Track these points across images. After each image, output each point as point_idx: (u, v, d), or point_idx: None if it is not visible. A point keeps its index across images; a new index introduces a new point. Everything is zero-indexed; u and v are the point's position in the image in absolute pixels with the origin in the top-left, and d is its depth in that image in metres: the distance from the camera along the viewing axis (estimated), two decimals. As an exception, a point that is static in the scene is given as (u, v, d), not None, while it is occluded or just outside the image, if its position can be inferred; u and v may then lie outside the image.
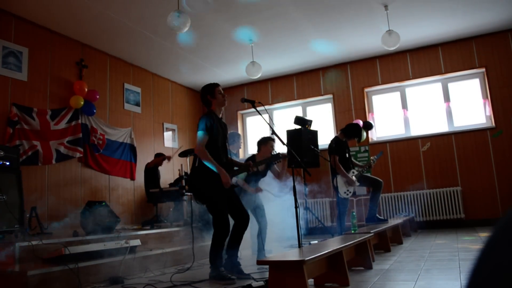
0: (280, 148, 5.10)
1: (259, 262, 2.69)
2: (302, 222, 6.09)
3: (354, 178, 5.49)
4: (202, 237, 5.33)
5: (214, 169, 3.41)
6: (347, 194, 5.46)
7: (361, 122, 7.78)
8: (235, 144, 5.37)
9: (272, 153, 4.54)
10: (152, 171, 6.85)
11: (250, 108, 7.34)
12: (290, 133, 7.32)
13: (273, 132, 4.31)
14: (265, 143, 4.72)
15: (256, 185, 4.69)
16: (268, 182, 4.89)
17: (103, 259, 3.76)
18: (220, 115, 3.71)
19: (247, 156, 8.88)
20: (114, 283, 3.56)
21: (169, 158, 6.99)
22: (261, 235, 4.67)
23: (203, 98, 3.67)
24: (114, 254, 3.87)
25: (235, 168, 3.74)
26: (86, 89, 6.37)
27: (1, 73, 5.35)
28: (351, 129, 5.66)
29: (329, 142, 5.74)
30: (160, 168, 7.21)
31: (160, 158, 6.88)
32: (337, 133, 8.14)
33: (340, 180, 5.45)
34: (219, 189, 3.45)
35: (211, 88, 3.65)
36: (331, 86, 8.38)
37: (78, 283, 3.33)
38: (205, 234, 5.29)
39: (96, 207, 4.68)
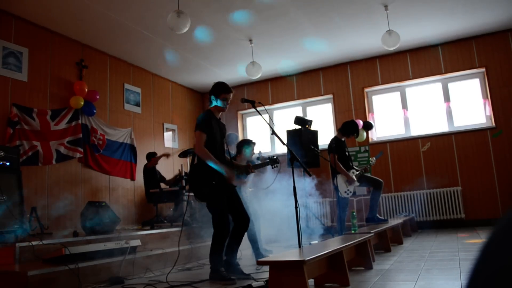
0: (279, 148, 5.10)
1: (260, 262, 2.69)
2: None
3: (354, 177, 5.50)
4: (202, 237, 5.32)
5: (216, 168, 3.40)
6: (347, 194, 5.45)
7: (361, 122, 7.79)
8: (232, 145, 5.37)
9: (253, 157, 4.57)
10: (151, 171, 6.85)
11: (250, 108, 7.34)
12: (290, 133, 7.34)
13: (273, 132, 4.30)
14: (248, 146, 4.74)
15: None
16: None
17: (103, 259, 3.76)
18: (219, 116, 3.70)
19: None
20: (114, 284, 3.56)
21: (167, 155, 7.04)
22: (251, 239, 4.66)
23: (210, 94, 3.65)
24: (114, 255, 3.87)
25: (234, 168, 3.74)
26: (86, 89, 6.37)
27: (1, 73, 5.35)
28: (348, 126, 5.64)
29: (329, 142, 5.74)
30: (160, 168, 7.21)
31: (157, 157, 6.88)
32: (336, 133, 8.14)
33: (340, 179, 5.44)
34: (219, 187, 3.44)
35: (220, 91, 3.57)
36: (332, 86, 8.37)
37: (78, 284, 3.33)
38: (204, 234, 5.29)
39: (96, 208, 4.68)
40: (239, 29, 6.43)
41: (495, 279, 0.38)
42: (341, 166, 5.43)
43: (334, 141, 5.62)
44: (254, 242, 4.63)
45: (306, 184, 6.51)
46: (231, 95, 3.61)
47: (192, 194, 3.56)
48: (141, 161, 7.37)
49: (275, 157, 4.08)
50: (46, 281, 3.19)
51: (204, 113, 3.62)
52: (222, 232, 3.41)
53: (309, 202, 7.24)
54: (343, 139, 5.68)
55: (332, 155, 5.48)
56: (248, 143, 4.77)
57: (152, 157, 6.92)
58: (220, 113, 3.68)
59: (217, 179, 3.42)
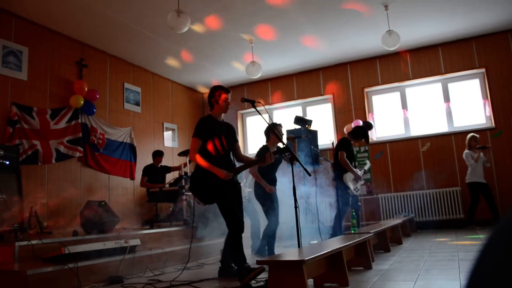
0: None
1: (259, 262, 2.69)
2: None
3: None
4: (201, 236, 5.32)
5: (211, 170, 3.40)
6: (357, 191, 5.46)
7: (361, 122, 7.78)
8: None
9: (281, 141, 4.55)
10: (154, 172, 6.88)
11: (250, 108, 7.33)
12: (290, 133, 7.33)
13: (273, 132, 4.30)
14: (273, 129, 4.65)
15: (275, 172, 4.77)
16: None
17: (103, 258, 3.76)
18: (221, 119, 3.69)
19: (248, 154, 8.89)
20: (114, 283, 3.56)
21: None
22: (268, 236, 4.64)
23: (209, 98, 3.65)
24: (114, 254, 3.87)
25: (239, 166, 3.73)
26: (86, 89, 6.37)
27: (1, 72, 5.35)
28: (359, 131, 5.62)
29: (328, 142, 5.69)
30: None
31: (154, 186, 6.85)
32: (336, 133, 8.13)
33: (348, 177, 5.41)
34: (219, 186, 3.44)
35: (219, 93, 3.57)
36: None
37: (78, 283, 3.33)
38: (204, 234, 5.29)
39: (95, 207, 4.68)
40: (239, 28, 6.43)
41: (494, 279, 0.38)
42: (349, 164, 5.42)
43: (343, 140, 5.60)
44: (272, 239, 4.63)
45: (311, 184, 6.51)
46: (230, 95, 3.61)
47: (191, 194, 3.56)
48: (141, 161, 7.37)
49: (284, 146, 3.87)
50: (46, 280, 3.19)
51: (202, 118, 3.63)
52: (235, 228, 3.38)
53: (310, 201, 7.24)
54: (351, 142, 5.68)
55: (341, 153, 5.44)
56: (272, 127, 4.62)
57: (158, 156, 7.04)
58: (222, 116, 3.67)
59: (216, 179, 3.42)
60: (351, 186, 5.40)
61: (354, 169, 5.45)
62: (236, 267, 3.42)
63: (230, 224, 3.39)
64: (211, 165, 3.40)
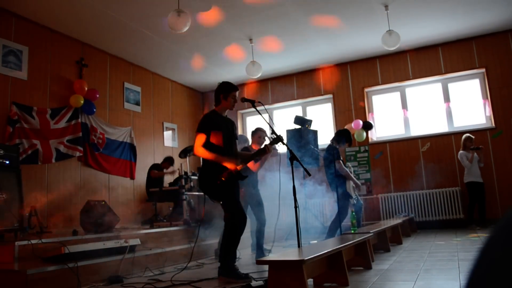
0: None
1: (259, 262, 2.69)
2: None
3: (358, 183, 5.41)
4: (201, 236, 5.32)
5: (219, 161, 3.40)
6: (355, 201, 5.32)
7: (361, 122, 7.78)
8: (240, 146, 5.37)
9: (263, 143, 4.67)
10: (155, 180, 6.88)
11: (250, 107, 7.34)
12: (290, 132, 7.33)
13: (273, 132, 4.29)
14: (254, 133, 4.97)
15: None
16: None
17: (103, 258, 3.76)
18: (225, 114, 3.71)
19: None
20: (114, 282, 3.56)
21: (174, 172, 7.08)
22: (260, 233, 4.66)
23: (217, 93, 3.66)
24: (114, 253, 3.87)
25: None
26: (86, 88, 6.37)
27: (1, 72, 5.35)
28: (343, 135, 5.43)
29: (326, 151, 5.48)
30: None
31: (165, 173, 6.92)
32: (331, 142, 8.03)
33: (349, 186, 5.29)
34: (228, 184, 3.44)
35: (229, 90, 3.59)
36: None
37: (78, 282, 3.33)
38: (204, 234, 5.28)
39: (95, 206, 4.68)
40: (239, 28, 6.43)
41: (494, 279, 0.38)
42: (349, 173, 5.32)
43: (333, 149, 5.40)
44: (261, 241, 4.64)
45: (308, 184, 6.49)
46: (238, 93, 3.66)
47: (191, 194, 3.56)
48: (141, 160, 7.37)
49: (262, 147, 3.84)
50: (46, 280, 3.19)
51: (206, 115, 3.64)
52: (239, 226, 3.37)
53: (309, 202, 7.23)
54: (338, 147, 5.53)
55: (338, 162, 5.20)
56: (255, 131, 4.99)
57: (157, 169, 7.02)
58: (226, 111, 3.70)
59: (225, 176, 3.42)
60: (352, 195, 5.31)
61: (354, 178, 5.36)
62: (221, 263, 3.42)
63: (236, 220, 3.38)
64: (219, 155, 3.40)
